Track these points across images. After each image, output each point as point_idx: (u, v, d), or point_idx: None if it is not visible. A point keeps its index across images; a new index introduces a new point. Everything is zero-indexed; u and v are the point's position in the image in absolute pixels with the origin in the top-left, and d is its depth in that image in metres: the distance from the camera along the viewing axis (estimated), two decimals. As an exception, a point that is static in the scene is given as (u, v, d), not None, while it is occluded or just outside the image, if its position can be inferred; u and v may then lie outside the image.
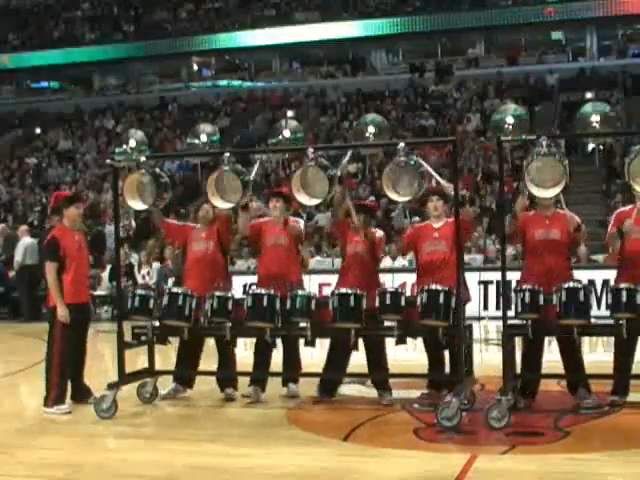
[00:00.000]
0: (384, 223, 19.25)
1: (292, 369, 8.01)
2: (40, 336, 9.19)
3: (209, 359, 8.32)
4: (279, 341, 7.83)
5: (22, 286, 17.18)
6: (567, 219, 7.49)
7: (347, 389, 8.29)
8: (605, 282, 12.34)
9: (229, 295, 7.70)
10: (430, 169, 7.48)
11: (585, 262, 14.90)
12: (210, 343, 8.29)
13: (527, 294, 7.00)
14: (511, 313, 7.07)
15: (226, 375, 8.15)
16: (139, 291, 7.97)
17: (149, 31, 35.28)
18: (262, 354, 7.97)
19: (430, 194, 7.72)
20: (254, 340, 7.96)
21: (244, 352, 8.23)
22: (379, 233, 8.06)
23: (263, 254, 8.14)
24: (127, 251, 17.60)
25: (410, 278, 9.15)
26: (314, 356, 7.91)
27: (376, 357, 7.74)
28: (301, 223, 8.30)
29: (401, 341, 7.36)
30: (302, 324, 7.50)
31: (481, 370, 7.76)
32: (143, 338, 7.88)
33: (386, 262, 15.77)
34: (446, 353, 7.53)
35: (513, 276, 7.48)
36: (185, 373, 8.26)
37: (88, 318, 8.20)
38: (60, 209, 8.13)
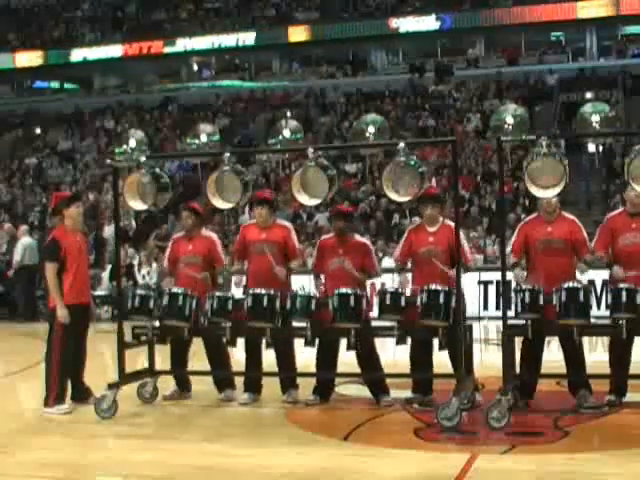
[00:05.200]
0: (383, 224, 19.34)
1: (288, 371, 7.96)
2: (40, 336, 9.20)
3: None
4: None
5: (20, 286, 17.20)
6: (571, 223, 7.47)
7: (347, 389, 8.29)
8: (605, 282, 12.33)
9: (229, 295, 7.70)
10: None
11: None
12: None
13: (527, 294, 7.00)
14: (511, 313, 7.07)
15: (224, 376, 8.15)
16: (139, 291, 7.98)
17: (149, 31, 35.30)
18: (253, 356, 7.96)
19: (424, 201, 7.68)
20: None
21: (241, 352, 8.22)
22: (363, 241, 8.07)
23: (249, 262, 8.11)
24: (127, 250, 17.60)
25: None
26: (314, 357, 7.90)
27: (367, 360, 7.72)
28: (289, 227, 8.25)
29: (401, 341, 7.36)
30: (302, 324, 7.50)
31: (481, 370, 7.76)
32: (143, 338, 7.89)
33: (386, 262, 15.78)
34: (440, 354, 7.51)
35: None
36: (183, 376, 8.25)
37: (89, 319, 8.20)
38: (60, 210, 8.13)
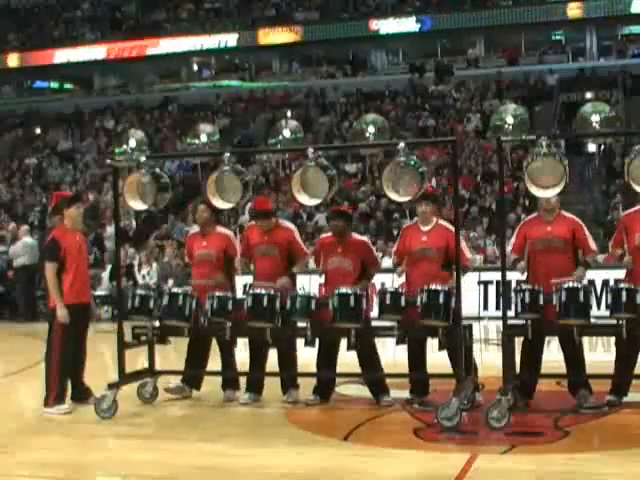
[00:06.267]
0: (383, 224, 19.34)
1: (289, 371, 7.96)
2: (40, 336, 9.20)
3: (212, 359, 8.32)
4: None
5: (20, 286, 17.20)
6: (572, 222, 7.48)
7: (347, 389, 8.29)
8: (605, 282, 12.34)
9: (229, 295, 7.70)
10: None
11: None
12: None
13: (527, 294, 7.00)
14: (511, 313, 7.07)
15: (227, 376, 8.15)
16: (139, 291, 7.98)
17: (149, 31, 35.33)
18: (257, 357, 7.97)
19: (419, 197, 7.68)
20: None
21: (244, 353, 8.22)
22: (361, 239, 8.07)
23: (254, 264, 8.14)
24: (127, 250, 17.60)
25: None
26: (314, 357, 7.90)
27: (368, 360, 7.71)
28: (292, 228, 8.25)
29: (401, 341, 7.36)
30: (302, 324, 7.50)
31: (481, 370, 7.76)
32: (143, 338, 7.89)
33: (386, 262, 15.78)
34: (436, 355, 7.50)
35: (513, 276, 7.48)
36: (191, 374, 8.27)
37: (88, 319, 8.20)
38: (60, 209, 8.13)
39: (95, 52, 35.53)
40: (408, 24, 32.48)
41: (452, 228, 7.52)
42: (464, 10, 31.87)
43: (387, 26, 32.68)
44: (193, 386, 8.28)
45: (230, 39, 34.27)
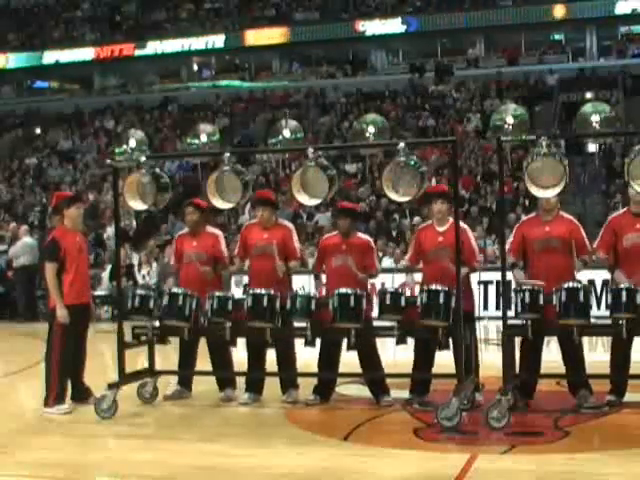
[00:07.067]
0: (383, 224, 19.34)
1: (288, 371, 7.96)
2: (40, 336, 9.20)
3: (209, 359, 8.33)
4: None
5: (20, 286, 17.20)
6: (570, 222, 7.48)
7: (347, 389, 8.28)
8: (605, 282, 12.34)
9: (229, 295, 7.70)
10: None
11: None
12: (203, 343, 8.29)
13: (527, 294, 6.99)
14: (511, 313, 7.07)
15: (225, 376, 8.15)
16: (139, 291, 7.98)
17: (149, 31, 35.34)
18: (256, 356, 7.96)
19: (433, 196, 7.67)
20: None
21: (244, 352, 8.22)
22: (366, 239, 8.06)
23: (251, 262, 8.13)
24: (128, 251, 17.59)
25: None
26: (315, 357, 7.91)
27: (368, 360, 7.71)
28: (290, 228, 8.24)
29: (401, 341, 7.36)
30: (302, 324, 7.50)
31: (481, 370, 7.76)
32: (143, 338, 7.89)
33: (386, 262, 15.79)
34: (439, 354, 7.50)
35: (513, 276, 7.48)
36: (187, 375, 8.27)
37: (88, 319, 8.20)
38: (60, 210, 8.14)
39: (94, 52, 35.54)
40: (393, 25, 32.53)
41: (466, 227, 7.65)
42: (464, 10, 31.87)
43: (373, 27, 32.77)
44: (189, 387, 8.29)
45: (217, 40, 34.35)
